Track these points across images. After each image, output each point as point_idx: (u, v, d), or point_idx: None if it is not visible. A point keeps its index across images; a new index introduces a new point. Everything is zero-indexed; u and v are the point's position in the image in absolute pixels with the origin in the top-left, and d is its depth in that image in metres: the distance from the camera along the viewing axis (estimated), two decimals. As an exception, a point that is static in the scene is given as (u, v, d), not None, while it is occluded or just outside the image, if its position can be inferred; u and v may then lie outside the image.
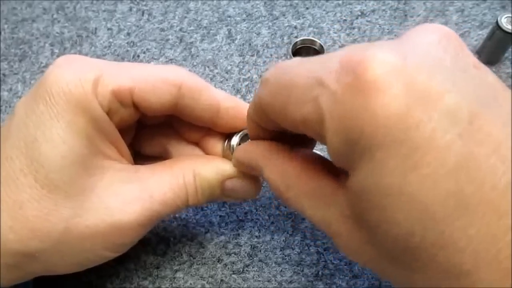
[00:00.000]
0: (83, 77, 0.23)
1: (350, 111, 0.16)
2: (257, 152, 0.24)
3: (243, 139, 0.27)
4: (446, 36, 0.18)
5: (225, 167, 0.26)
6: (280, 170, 0.22)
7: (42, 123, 0.22)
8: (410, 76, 0.15)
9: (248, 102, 0.36)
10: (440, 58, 0.17)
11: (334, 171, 0.21)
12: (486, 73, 0.17)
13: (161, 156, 0.29)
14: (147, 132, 0.28)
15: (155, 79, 0.24)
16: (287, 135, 0.23)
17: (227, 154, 0.27)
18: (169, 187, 0.25)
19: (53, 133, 0.22)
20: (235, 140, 0.27)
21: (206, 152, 0.28)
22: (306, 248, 0.31)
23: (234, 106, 0.26)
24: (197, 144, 0.29)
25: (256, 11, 0.41)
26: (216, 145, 0.28)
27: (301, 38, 0.33)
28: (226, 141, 0.27)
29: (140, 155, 0.29)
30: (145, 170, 0.26)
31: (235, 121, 0.26)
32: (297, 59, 0.20)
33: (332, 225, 0.20)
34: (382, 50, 0.16)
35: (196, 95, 0.25)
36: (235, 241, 0.31)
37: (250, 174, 0.26)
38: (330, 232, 0.20)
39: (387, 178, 0.15)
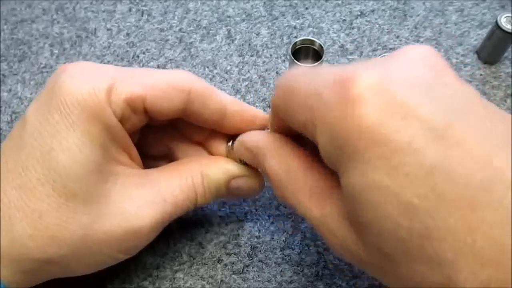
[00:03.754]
0: (96, 86, 0.23)
1: (338, 119, 0.18)
2: (263, 140, 0.25)
3: None
4: (429, 55, 0.20)
5: (231, 168, 0.27)
6: (284, 163, 0.23)
7: (58, 132, 0.22)
8: (391, 90, 0.18)
9: (248, 103, 0.36)
10: (421, 75, 0.19)
11: (332, 172, 0.22)
12: (464, 88, 0.19)
13: (165, 156, 0.30)
14: (152, 132, 0.29)
15: (166, 86, 0.25)
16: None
17: (231, 154, 0.28)
18: (180, 189, 0.26)
19: (69, 142, 0.22)
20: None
21: (210, 152, 0.29)
22: (306, 248, 0.31)
23: (240, 110, 0.27)
24: (201, 144, 0.29)
25: (256, 11, 0.41)
26: (221, 145, 0.28)
27: (301, 38, 0.33)
28: (230, 142, 0.28)
29: (145, 155, 0.29)
30: (155, 174, 0.26)
31: (241, 124, 0.27)
32: (304, 68, 0.22)
33: (328, 224, 0.21)
34: (368, 67, 0.19)
35: (205, 100, 0.26)
36: (235, 241, 0.31)
37: (255, 173, 0.27)
38: (325, 231, 0.21)
39: (373, 176, 0.17)
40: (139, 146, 0.29)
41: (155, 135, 0.29)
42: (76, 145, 0.22)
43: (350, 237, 0.20)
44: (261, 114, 0.28)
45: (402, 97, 0.17)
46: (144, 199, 0.25)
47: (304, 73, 0.22)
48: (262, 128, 0.28)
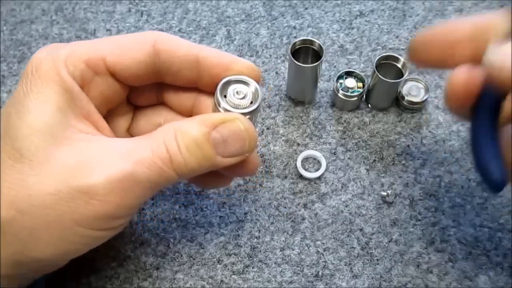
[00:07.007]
0: (55, 53, 0.24)
1: None
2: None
3: (224, 88, 0.25)
4: None
5: (207, 117, 0.24)
6: None
7: (18, 100, 0.23)
8: None
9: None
10: None
11: None
12: None
13: None
14: (142, 115, 0.29)
15: (127, 42, 0.25)
16: None
17: (215, 112, 0.25)
18: (145, 147, 0.23)
19: (23, 106, 0.23)
20: (217, 93, 0.25)
21: None
22: (306, 248, 0.31)
23: (212, 54, 0.25)
24: (191, 116, 0.28)
25: (255, 12, 0.41)
26: (208, 110, 0.27)
27: (300, 38, 0.33)
28: (214, 96, 0.25)
29: None
30: (122, 140, 0.24)
31: (218, 69, 0.25)
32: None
33: None
34: None
35: (172, 48, 0.25)
36: (235, 241, 0.31)
37: (237, 116, 0.24)
38: None
39: None
40: (131, 131, 0.29)
41: (145, 117, 0.29)
42: (28, 107, 0.23)
43: None
44: (240, 59, 0.26)
45: None
46: (100, 158, 0.22)
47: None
48: (247, 76, 0.25)
